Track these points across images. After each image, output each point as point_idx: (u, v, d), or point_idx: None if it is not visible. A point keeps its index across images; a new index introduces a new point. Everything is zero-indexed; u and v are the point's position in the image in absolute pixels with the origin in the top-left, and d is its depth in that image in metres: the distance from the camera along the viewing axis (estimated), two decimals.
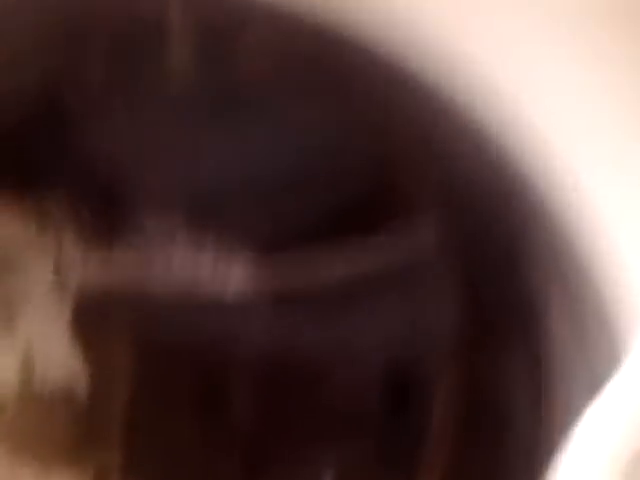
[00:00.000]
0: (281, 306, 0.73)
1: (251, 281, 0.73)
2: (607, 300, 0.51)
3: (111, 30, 0.67)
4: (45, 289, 0.74)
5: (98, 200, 0.73)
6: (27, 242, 0.73)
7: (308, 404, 0.74)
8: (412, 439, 0.73)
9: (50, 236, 0.73)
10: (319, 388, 0.74)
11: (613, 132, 0.50)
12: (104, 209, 0.73)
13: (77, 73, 0.70)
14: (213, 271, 0.73)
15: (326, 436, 0.74)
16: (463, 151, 0.58)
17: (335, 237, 0.72)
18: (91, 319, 0.74)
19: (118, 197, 0.73)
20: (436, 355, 0.72)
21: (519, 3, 0.50)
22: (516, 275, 0.63)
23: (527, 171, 0.53)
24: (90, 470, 0.73)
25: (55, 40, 0.67)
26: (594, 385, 0.48)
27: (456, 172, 0.62)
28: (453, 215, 0.69)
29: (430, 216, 0.70)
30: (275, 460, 0.75)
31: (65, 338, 0.74)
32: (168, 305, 0.73)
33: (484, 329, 0.70)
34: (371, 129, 0.66)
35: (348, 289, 0.72)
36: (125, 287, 0.73)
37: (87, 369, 0.74)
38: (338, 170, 0.70)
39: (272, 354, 0.74)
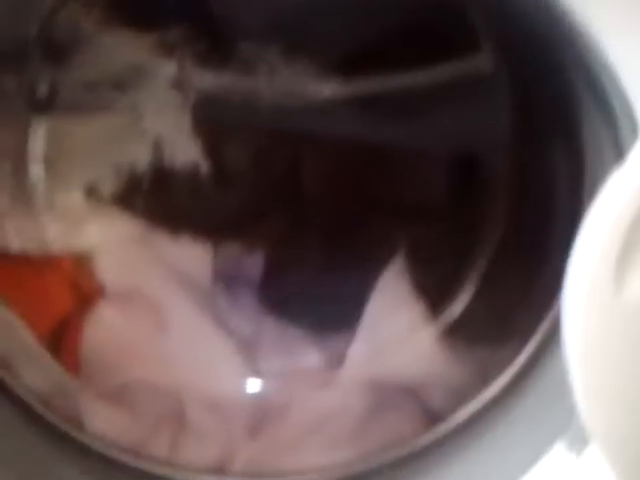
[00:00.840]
0: (365, 106, 0.90)
1: (339, 88, 0.90)
2: (625, 85, 0.60)
3: None
4: (169, 94, 0.91)
5: (211, 33, 0.89)
6: (154, 62, 0.90)
7: (388, 186, 0.93)
8: (473, 218, 0.92)
9: (173, 58, 0.90)
10: (398, 172, 0.92)
11: None
12: (216, 40, 0.90)
13: None
14: (307, 81, 0.90)
15: (401, 215, 0.92)
16: None
17: (410, 55, 0.88)
18: (208, 116, 0.92)
19: (228, 30, 0.89)
20: (495, 144, 0.89)
21: None
22: (553, 78, 0.76)
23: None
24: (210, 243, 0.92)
25: None
26: (619, 156, 0.61)
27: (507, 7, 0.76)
28: (505, 40, 0.85)
29: (487, 41, 0.86)
30: (355, 234, 0.93)
31: (188, 131, 0.91)
32: (272, 105, 0.91)
33: (532, 123, 0.86)
34: None
35: (420, 95, 0.88)
36: (235, 91, 0.91)
37: (207, 154, 0.92)
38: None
39: (359, 143, 0.91)
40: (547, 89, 0.80)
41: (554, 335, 0.78)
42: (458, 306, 0.91)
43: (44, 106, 0.90)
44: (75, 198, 0.90)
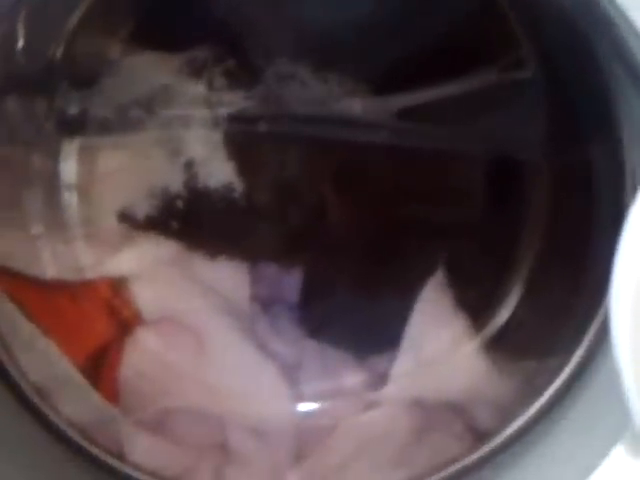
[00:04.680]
0: (398, 116, 0.95)
1: (372, 103, 0.95)
2: None
3: None
4: (200, 113, 0.96)
5: (240, 51, 0.94)
6: (183, 83, 0.95)
7: (425, 201, 0.97)
8: (514, 227, 0.95)
9: (202, 77, 0.95)
10: (435, 185, 0.97)
11: None
12: (245, 58, 0.95)
13: None
14: (339, 97, 0.95)
15: (440, 229, 0.97)
16: None
17: (445, 65, 0.93)
18: (240, 134, 0.96)
19: (257, 48, 0.94)
20: (534, 146, 0.94)
21: None
22: (592, 73, 0.79)
23: None
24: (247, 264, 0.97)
25: None
26: None
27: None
28: (543, 45, 0.90)
29: (525, 40, 0.91)
30: (394, 252, 0.97)
31: (220, 150, 0.96)
32: (304, 121, 0.96)
33: (570, 122, 0.89)
34: None
35: (456, 102, 0.93)
36: (266, 108, 0.95)
37: (241, 173, 0.96)
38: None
39: (397, 154, 0.96)
40: (585, 85, 0.84)
41: (601, 340, 0.81)
42: (501, 318, 0.94)
43: (74, 128, 0.94)
44: (109, 223, 0.95)
